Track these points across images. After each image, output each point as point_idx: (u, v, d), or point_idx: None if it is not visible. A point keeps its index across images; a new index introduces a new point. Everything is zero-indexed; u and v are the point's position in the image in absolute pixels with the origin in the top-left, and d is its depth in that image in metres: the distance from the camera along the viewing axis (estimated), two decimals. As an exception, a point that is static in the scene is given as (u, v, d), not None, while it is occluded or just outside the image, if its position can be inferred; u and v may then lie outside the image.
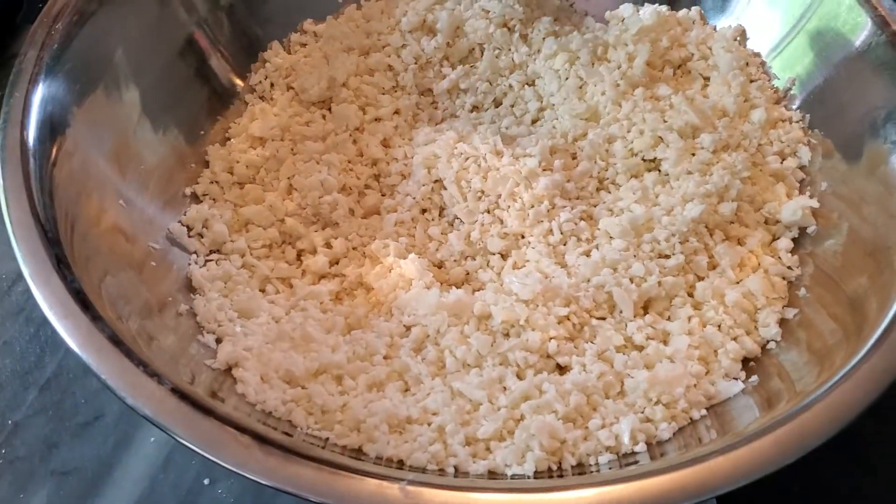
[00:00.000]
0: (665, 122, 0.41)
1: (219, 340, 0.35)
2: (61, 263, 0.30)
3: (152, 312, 0.33)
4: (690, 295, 0.37)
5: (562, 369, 0.34)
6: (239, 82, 0.45)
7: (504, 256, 0.39)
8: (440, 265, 0.40)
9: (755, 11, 0.44)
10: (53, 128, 0.34)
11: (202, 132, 0.43)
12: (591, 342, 0.35)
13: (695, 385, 0.33)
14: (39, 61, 0.35)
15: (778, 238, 0.39)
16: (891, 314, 0.31)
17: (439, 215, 0.42)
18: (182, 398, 0.27)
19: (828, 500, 0.39)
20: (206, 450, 0.26)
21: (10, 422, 0.39)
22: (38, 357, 0.41)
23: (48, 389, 0.40)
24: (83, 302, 0.29)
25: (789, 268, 0.38)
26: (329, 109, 0.45)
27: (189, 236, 0.39)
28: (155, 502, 0.37)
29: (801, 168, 0.41)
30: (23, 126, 0.33)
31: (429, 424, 0.31)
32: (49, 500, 0.37)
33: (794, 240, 0.39)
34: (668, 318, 0.37)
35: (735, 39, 0.45)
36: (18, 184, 0.32)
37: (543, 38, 0.46)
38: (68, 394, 0.40)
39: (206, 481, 0.38)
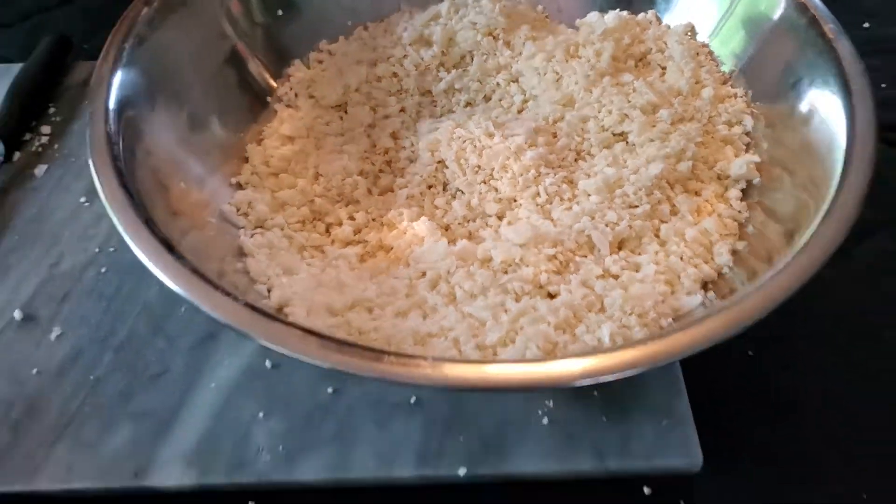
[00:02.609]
0: (629, 102, 0.49)
1: (269, 290, 0.42)
2: (148, 221, 0.38)
3: (222, 265, 0.41)
4: (656, 235, 0.45)
5: (552, 296, 0.42)
6: (273, 83, 0.53)
7: (500, 217, 0.47)
8: (446, 228, 0.47)
9: (695, 3, 0.53)
10: (129, 125, 0.42)
11: (241, 134, 0.51)
12: (575, 274, 0.42)
13: (662, 301, 0.41)
14: (113, 73, 0.43)
15: (729, 190, 0.47)
16: (808, 235, 0.38)
17: (443, 189, 0.49)
18: (254, 310, 0.34)
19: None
20: (275, 344, 0.33)
21: (91, 377, 0.46)
22: (111, 327, 0.49)
23: (121, 351, 0.48)
24: (169, 247, 0.37)
25: (739, 212, 0.46)
26: (345, 111, 0.53)
27: (238, 215, 0.47)
28: (217, 435, 0.44)
29: (747, 133, 0.49)
30: (105, 121, 0.41)
31: (445, 337, 0.39)
32: (131, 435, 0.44)
33: (742, 191, 0.47)
34: (639, 254, 0.44)
35: (686, 34, 0.53)
36: (107, 166, 0.40)
37: (524, 43, 0.54)
38: (139, 354, 0.47)
39: (260, 414, 0.45)
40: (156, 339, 0.48)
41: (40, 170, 0.56)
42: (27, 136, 0.58)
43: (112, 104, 0.42)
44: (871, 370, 0.47)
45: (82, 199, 0.55)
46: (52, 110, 0.60)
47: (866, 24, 0.67)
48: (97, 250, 0.52)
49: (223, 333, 0.48)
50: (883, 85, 0.62)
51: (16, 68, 0.62)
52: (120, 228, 0.37)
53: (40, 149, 0.58)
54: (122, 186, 0.39)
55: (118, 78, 0.43)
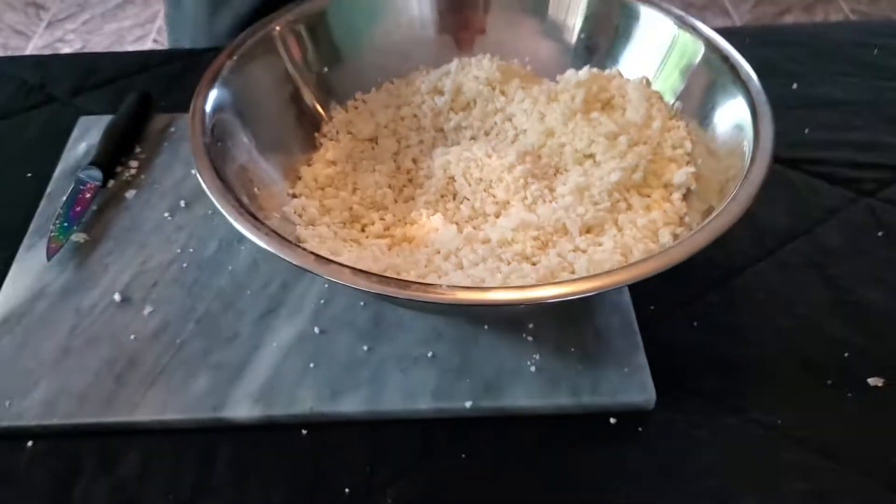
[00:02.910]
0: (596, 131, 0.64)
1: (321, 264, 0.56)
2: (241, 204, 0.52)
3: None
4: (615, 223, 0.59)
5: (534, 265, 0.55)
6: (323, 114, 0.68)
7: (496, 216, 0.61)
8: (456, 224, 0.61)
9: (641, 54, 0.68)
10: (218, 140, 0.57)
11: (295, 159, 0.65)
12: (553, 249, 0.56)
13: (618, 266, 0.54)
14: (205, 103, 0.58)
15: (672, 194, 0.61)
16: (716, 213, 0.52)
17: (453, 198, 0.63)
18: (319, 257, 0.48)
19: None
20: (332, 277, 0.47)
21: (177, 341, 0.59)
22: (191, 306, 0.61)
23: (201, 322, 0.60)
24: (261, 222, 0.50)
25: (679, 209, 0.60)
26: (376, 143, 0.68)
27: (295, 215, 0.61)
28: (277, 380, 0.56)
29: (687, 154, 0.63)
30: (203, 135, 0.56)
31: (455, 288, 0.52)
32: (210, 381, 0.56)
33: (683, 195, 0.61)
34: (601, 236, 0.58)
35: (642, 83, 0.68)
36: (207, 165, 0.54)
37: (515, 91, 0.69)
38: (215, 324, 0.60)
39: (311, 365, 0.57)
40: (228, 313, 0.61)
41: (130, 193, 0.71)
42: (119, 169, 0.73)
43: (206, 124, 0.57)
44: (787, 335, 0.60)
45: (166, 214, 0.69)
46: (138, 150, 0.75)
47: (794, 85, 0.83)
48: (179, 251, 0.66)
49: (281, 308, 0.61)
50: (806, 130, 0.77)
51: (105, 119, 0.77)
52: (218, 205, 0.51)
53: (130, 178, 0.72)
54: (219, 178, 0.53)
55: (210, 107, 0.58)
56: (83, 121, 0.79)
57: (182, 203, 0.70)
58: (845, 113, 0.80)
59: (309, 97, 0.68)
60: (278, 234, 0.49)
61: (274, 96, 0.65)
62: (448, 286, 0.46)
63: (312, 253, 0.48)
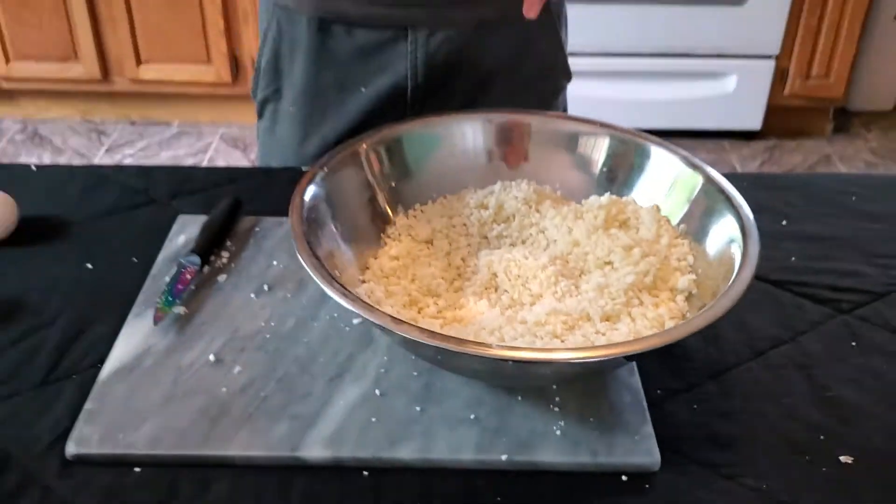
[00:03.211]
0: (614, 244, 0.77)
1: (388, 333, 0.68)
2: (333, 277, 0.65)
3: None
4: (629, 315, 0.71)
5: (563, 342, 0.68)
6: (392, 216, 0.83)
7: (532, 304, 0.74)
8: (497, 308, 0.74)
9: (652, 185, 0.83)
10: (312, 231, 0.71)
11: (367, 252, 0.79)
12: (578, 330, 0.68)
13: (631, 346, 0.66)
14: (302, 201, 0.73)
15: (676, 296, 0.74)
16: (709, 305, 0.65)
17: (495, 290, 0.76)
18: (395, 319, 0.61)
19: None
20: (407, 334, 0.59)
21: (261, 394, 0.71)
22: (273, 368, 0.74)
23: (281, 382, 0.72)
24: (349, 291, 0.64)
25: (682, 307, 0.72)
26: (432, 243, 0.82)
27: (364, 296, 0.74)
28: (344, 429, 0.68)
29: (690, 266, 0.77)
30: (301, 223, 0.70)
31: (499, 355, 0.64)
32: (288, 427, 0.68)
33: (686, 297, 0.74)
34: (618, 324, 0.70)
35: (653, 209, 0.83)
36: (306, 249, 0.68)
37: (548, 210, 0.83)
38: (293, 384, 0.72)
39: (373, 419, 0.69)
40: (303, 375, 0.73)
41: (222, 278, 0.84)
42: (213, 258, 0.87)
43: (304, 217, 0.71)
44: (773, 419, 0.71)
45: (252, 295, 0.82)
46: (229, 243, 0.89)
47: (784, 222, 0.97)
48: (262, 324, 0.79)
49: (347, 374, 0.73)
50: (793, 258, 0.91)
51: (200, 218, 0.92)
52: (314, 276, 0.65)
53: (222, 265, 0.86)
54: (315, 258, 0.67)
55: (306, 205, 0.73)
56: (181, 219, 0.93)
57: (265, 287, 0.83)
58: (828, 247, 0.94)
59: (382, 202, 0.83)
60: (363, 301, 0.63)
61: (355, 199, 0.80)
62: (498, 345, 0.59)
63: (389, 315, 0.61)
